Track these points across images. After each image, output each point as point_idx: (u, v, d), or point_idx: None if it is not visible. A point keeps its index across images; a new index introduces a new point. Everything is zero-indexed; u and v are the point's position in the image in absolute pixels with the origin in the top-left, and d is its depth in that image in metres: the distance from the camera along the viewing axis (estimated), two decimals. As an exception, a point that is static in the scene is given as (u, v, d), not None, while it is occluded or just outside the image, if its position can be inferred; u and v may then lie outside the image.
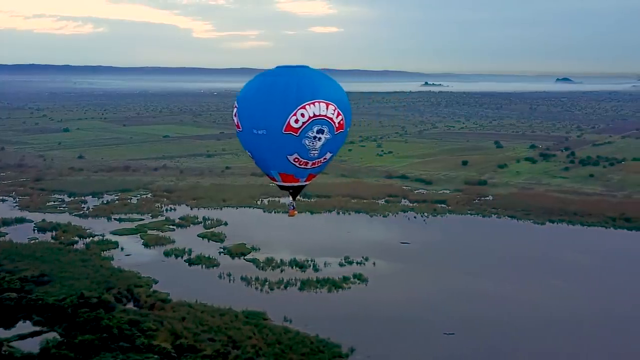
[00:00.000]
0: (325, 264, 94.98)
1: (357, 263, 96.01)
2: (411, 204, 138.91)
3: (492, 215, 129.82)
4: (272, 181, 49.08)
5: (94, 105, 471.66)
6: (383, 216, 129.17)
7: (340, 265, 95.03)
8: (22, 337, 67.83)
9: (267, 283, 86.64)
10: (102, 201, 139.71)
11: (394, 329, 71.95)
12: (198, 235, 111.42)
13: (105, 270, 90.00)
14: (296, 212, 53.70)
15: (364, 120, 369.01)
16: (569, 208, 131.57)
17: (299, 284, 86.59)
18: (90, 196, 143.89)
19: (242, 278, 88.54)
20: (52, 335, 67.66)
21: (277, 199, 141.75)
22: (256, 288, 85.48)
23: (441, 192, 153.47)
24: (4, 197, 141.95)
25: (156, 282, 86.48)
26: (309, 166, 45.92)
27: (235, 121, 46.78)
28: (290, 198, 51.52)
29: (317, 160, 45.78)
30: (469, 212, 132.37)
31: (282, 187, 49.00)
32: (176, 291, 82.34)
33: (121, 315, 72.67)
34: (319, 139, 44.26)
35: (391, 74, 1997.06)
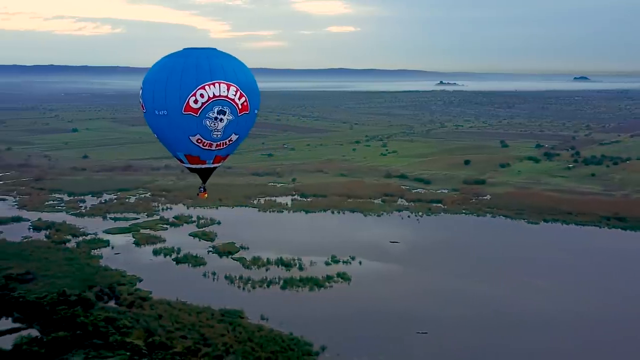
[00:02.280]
0: (311, 263, 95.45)
1: (344, 262, 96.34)
2: (407, 204, 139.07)
3: (487, 214, 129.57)
4: (180, 164, 49.73)
5: (106, 106, 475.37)
6: (377, 215, 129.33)
7: (326, 264, 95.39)
8: (0, 333, 68.93)
9: (249, 282, 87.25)
10: (100, 200, 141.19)
11: (369, 328, 72.26)
12: (189, 235, 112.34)
13: (90, 269, 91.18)
14: (207, 194, 54.03)
15: (372, 120, 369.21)
16: (564, 207, 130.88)
17: (281, 282, 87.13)
18: (90, 195, 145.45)
19: (226, 277, 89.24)
20: (30, 332, 68.74)
21: (273, 198, 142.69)
22: (238, 287, 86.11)
23: (439, 191, 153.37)
24: (4, 197, 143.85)
25: (140, 281, 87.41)
26: (213, 148, 46.49)
27: (141, 102, 47.45)
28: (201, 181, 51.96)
29: (221, 142, 46.36)
30: (463, 211, 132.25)
31: (191, 170, 49.63)
32: (159, 289, 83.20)
33: (99, 312, 73.55)
34: (221, 120, 44.84)
35: (407, 73, 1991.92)
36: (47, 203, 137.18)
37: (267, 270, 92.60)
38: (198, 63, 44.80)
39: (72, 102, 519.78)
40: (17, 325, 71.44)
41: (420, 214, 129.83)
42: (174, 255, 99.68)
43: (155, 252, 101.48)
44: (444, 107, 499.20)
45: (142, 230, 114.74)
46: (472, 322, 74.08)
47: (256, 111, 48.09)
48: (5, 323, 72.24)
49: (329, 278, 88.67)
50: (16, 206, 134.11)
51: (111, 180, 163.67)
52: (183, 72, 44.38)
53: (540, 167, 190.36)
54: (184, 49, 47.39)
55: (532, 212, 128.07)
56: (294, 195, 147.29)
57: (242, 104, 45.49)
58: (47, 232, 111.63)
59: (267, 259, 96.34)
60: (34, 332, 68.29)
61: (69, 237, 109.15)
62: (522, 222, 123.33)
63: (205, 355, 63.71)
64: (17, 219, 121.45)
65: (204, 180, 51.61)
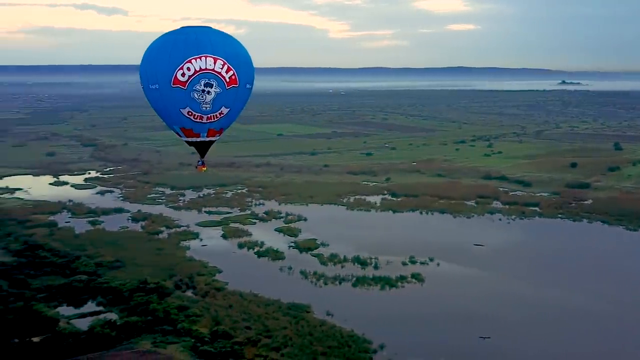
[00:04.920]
0: (387, 262, 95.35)
1: (421, 263, 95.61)
2: (501, 206, 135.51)
3: (583, 219, 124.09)
4: (178, 137, 51.44)
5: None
6: (467, 217, 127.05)
7: (403, 264, 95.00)
8: (82, 315, 74.25)
9: (322, 278, 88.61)
10: (199, 195, 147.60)
11: (433, 330, 71.78)
12: (275, 230, 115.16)
13: (175, 259, 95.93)
14: (205, 167, 55.46)
15: (483, 120, 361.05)
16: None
17: (353, 280, 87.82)
18: (190, 190, 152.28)
19: (300, 272, 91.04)
20: (107, 315, 73.55)
21: (363, 197, 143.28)
22: (311, 282, 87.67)
23: (537, 194, 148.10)
24: (112, 189, 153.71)
25: (220, 272, 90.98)
26: (205, 120, 48.22)
27: (140, 79, 49.81)
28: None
29: (212, 115, 48.01)
30: (559, 215, 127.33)
31: (189, 144, 51.31)
32: (235, 281, 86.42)
33: (174, 300, 77.55)
34: (208, 92, 46.62)
35: (530, 72, 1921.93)
36: (149, 196, 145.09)
37: (342, 267, 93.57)
38: (187, 39, 47.00)
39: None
40: (99, 309, 76.67)
41: (512, 217, 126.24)
42: (256, 249, 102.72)
43: (240, 245, 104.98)
44: (562, 108, 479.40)
45: (231, 224, 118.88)
46: (539, 330, 71.72)
47: (249, 86, 49.51)
48: (90, 306, 77.71)
49: (402, 278, 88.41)
50: (121, 198, 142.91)
51: (213, 176, 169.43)
52: (172, 47, 47.00)
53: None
54: (181, 27, 49.74)
55: (633, 218, 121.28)
56: (385, 194, 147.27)
57: (229, 77, 47.25)
58: (143, 223, 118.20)
59: (344, 256, 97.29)
60: (111, 316, 72.99)
61: (163, 228, 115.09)
62: (620, 228, 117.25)
63: (264, 346, 65.72)
64: (119, 210, 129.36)
65: (202, 154, 53.49)
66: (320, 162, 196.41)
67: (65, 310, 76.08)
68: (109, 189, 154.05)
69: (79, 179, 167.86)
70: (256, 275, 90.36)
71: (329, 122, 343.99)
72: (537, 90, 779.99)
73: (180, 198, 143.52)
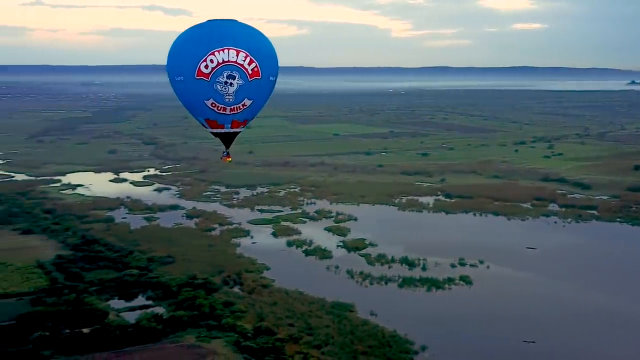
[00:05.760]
0: (436, 264, 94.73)
1: (470, 265, 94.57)
2: (557, 209, 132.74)
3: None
4: (204, 128, 51.94)
5: (282, 105, 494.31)
6: (522, 220, 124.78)
7: (452, 266, 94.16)
8: (132, 308, 76.39)
9: (368, 278, 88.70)
10: (253, 193, 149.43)
11: (476, 332, 70.99)
12: (324, 229, 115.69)
13: (226, 255, 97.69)
14: (230, 158, 55.71)
15: (545, 120, 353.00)
16: None
17: (400, 281, 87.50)
18: (244, 188, 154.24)
19: (347, 271, 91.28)
20: (155, 309, 75.38)
21: (416, 198, 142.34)
22: (357, 282, 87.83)
23: (597, 197, 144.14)
24: (169, 186, 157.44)
25: (268, 269, 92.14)
26: (228, 112, 48.74)
27: (167, 72, 50.76)
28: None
29: (235, 106, 48.53)
30: (617, 219, 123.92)
31: (214, 135, 51.87)
32: (282, 278, 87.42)
33: (220, 296, 78.96)
34: (231, 84, 47.19)
35: (598, 72, 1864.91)
36: (204, 193, 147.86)
37: (389, 267, 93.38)
38: (211, 31, 47.81)
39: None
40: (148, 302, 78.74)
41: (568, 220, 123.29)
42: (304, 248, 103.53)
43: (289, 244, 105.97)
44: (628, 109, 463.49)
45: (282, 223, 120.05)
46: (586, 336, 70.09)
47: (272, 78, 49.98)
48: (139, 300, 79.93)
49: (449, 280, 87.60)
50: (177, 195, 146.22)
51: (267, 175, 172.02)
52: (197, 40, 47.90)
53: None
54: (207, 20, 50.56)
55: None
56: (439, 195, 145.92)
57: (252, 70, 47.79)
58: (197, 220, 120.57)
59: (392, 257, 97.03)
60: (159, 310, 74.78)
61: (216, 225, 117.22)
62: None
63: (305, 344, 66.24)
64: (175, 207, 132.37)
65: (227, 145, 54.08)
66: (374, 162, 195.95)
67: (115, 303, 78.47)
68: (166, 186, 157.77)
69: (138, 177, 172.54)
70: (303, 273, 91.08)
71: (387, 122, 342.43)
72: (604, 91, 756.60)
73: (235, 196, 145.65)
